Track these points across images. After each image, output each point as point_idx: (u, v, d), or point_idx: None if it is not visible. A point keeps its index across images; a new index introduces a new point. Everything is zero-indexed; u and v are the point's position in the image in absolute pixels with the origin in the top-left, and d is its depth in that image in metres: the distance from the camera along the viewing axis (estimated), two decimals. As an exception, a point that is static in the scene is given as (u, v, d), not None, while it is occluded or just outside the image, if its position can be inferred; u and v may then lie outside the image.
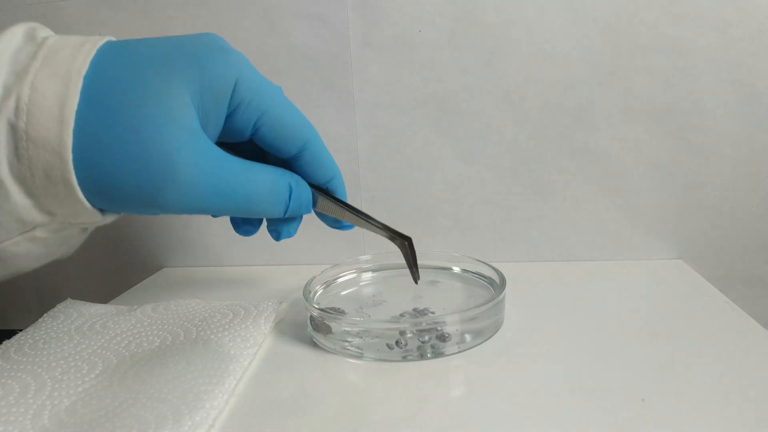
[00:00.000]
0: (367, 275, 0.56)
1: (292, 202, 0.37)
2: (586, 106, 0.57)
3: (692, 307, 0.49)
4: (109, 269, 0.68)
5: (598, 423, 0.33)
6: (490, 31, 0.57)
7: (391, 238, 0.43)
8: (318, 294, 0.51)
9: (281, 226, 0.41)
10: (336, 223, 0.43)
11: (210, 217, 0.63)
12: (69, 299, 0.52)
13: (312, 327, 0.45)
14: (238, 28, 0.59)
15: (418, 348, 0.41)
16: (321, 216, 0.42)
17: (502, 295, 0.44)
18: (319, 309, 0.43)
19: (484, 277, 0.52)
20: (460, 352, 0.42)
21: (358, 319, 0.45)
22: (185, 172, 0.29)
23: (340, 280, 0.54)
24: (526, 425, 0.33)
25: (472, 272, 0.54)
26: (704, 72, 0.55)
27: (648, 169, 0.58)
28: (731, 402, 0.35)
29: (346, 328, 0.42)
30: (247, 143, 0.36)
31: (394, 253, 0.56)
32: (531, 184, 0.60)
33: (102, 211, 0.32)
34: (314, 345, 0.44)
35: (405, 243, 0.43)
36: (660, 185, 0.58)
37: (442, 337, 0.41)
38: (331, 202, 0.40)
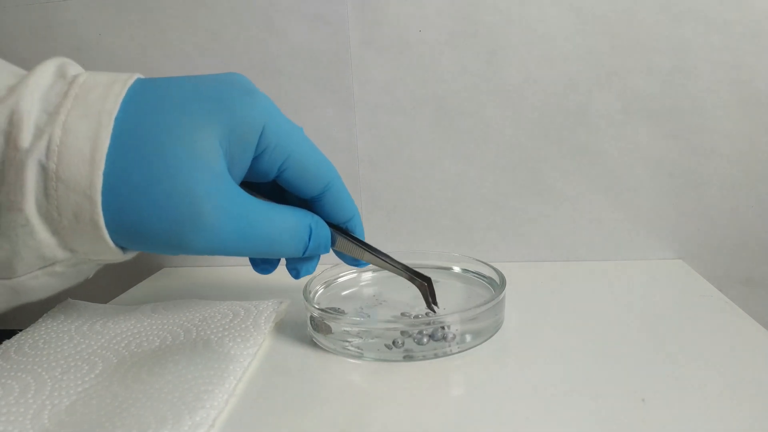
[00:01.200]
0: (368, 275, 0.56)
1: (311, 242, 0.37)
2: (586, 106, 0.57)
3: (692, 307, 0.49)
4: (109, 269, 0.67)
5: (597, 423, 0.33)
6: (490, 31, 0.57)
7: (411, 279, 0.44)
8: (318, 294, 0.51)
9: (300, 264, 0.41)
10: (354, 262, 0.44)
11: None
12: (69, 299, 0.52)
13: (312, 327, 0.45)
14: (238, 28, 0.59)
15: (418, 348, 0.41)
16: (339, 255, 0.43)
17: (502, 295, 0.44)
18: (319, 309, 0.43)
19: (484, 277, 0.52)
20: (460, 352, 0.42)
21: (358, 319, 0.45)
22: (211, 216, 0.29)
23: (340, 280, 0.54)
24: (526, 425, 0.33)
25: (472, 272, 0.54)
26: (704, 72, 0.55)
27: (648, 168, 0.58)
28: (731, 402, 0.35)
29: (346, 328, 0.42)
30: (269, 183, 0.37)
31: (394, 253, 0.57)
32: (531, 185, 0.60)
33: (123, 249, 0.32)
34: (314, 345, 0.44)
35: (425, 284, 0.44)
36: (660, 185, 0.58)
37: (443, 338, 0.41)
38: (350, 242, 0.41)
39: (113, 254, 0.31)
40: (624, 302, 0.50)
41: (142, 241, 0.30)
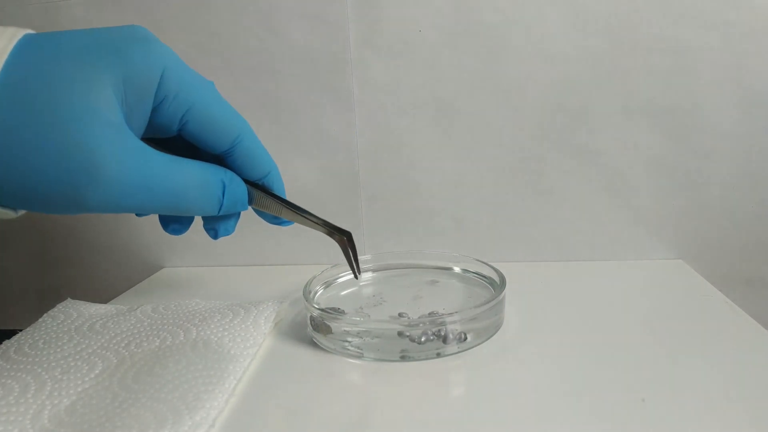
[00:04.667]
0: (368, 275, 0.56)
1: (226, 199, 0.35)
2: (586, 106, 0.57)
3: (692, 307, 0.49)
4: (109, 269, 0.68)
5: (598, 423, 0.33)
6: (490, 31, 0.57)
7: (330, 234, 0.42)
8: (318, 294, 0.51)
9: (218, 224, 0.39)
10: (275, 220, 0.41)
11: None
12: (69, 299, 0.52)
13: (312, 327, 0.45)
14: (237, 28, 0.59)
15: (419, 348, 0.41)
16: (259, 213, 0.41)
17: (502, 295, 0.44)
18: (318, 309, 0.43)
19: (484, 277, 0.52)
20: (460, 352, 0.42)
21: (358, 319, 0.45)
22: (108, 169, 0.28)
23: (340, 280, 0.54)
24: (526, 425, 0.33)
25: (472, 272, 0.54)
26: (704, 72, 0.55)
27: (648, 168, 0.58)
28: (731, 401, 0.35)
29: (346, 328, 0.42)
30: (177, 140, 0.35)
31: (394, 253, 0.57)
32: (531, 184, 0.60)
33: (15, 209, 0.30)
34: (314, 345, 0.44)
35: (344, 239, 0.42)
36: (660, 185, 0.58)
37: (443, 338, 0.41)
38: (268, 199, 0.39)
39: (2, 214, 0.30)
40: (624, 302, 0.50)
41: (35, 199, 0.28)
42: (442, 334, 0.41)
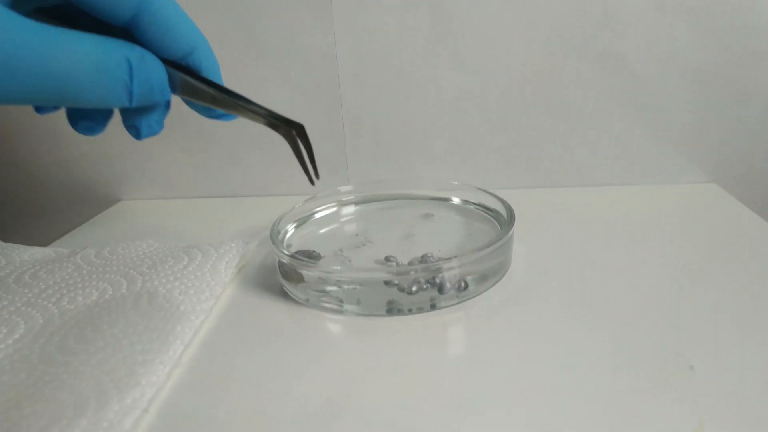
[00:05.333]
0: (349, 209, 0.48)
1: (135, 83, 0.27)
2: (612, 2, 0.47)
3: (729, 237, 0.42)
4: (58, 203, 0.59)
5: (625, 388, 0.26)
6: None
7: (274, 126, 0.32)
8: (289, 234, 0.43)
9: (138, 119, 0.31)
10: (209, 112, 0.33)
11: (171, 141, 0.54)
12: (-1, 242, 0.44)
13: (282, 274, 0.37)
14: None
15: (410, 299, 0.34)
16: (191, 104, 0.32)
17: (510, 233, 0.36)
18: (288, 255, 0.36)
19: (488, 209, 0.44)
20: (459, 302, 0.34)
21: (335, 267, 0.37)
22: None
23: (317, 215, 0.46)
24: (536, 391, 0.26)
25: (474, 204, 0.46)
26: (759, -45, 0.45)
27: (683, 78, 0.49)
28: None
29: (321, 276, 0.34)
30: (71, 11, 0.27)
31: (380, 183, 0.48)
32: (543, 99, 0.51)
33: None
34: (285, 296, 0.37)
35: (292, 132, 0.32)
36: (696, 97, 0.49)
37: (439, 286, 0.34)
38: (194, 84, 0.30)
39: None
40: (650, 235, 0.43)
41: None
42: (438, 281, 0.34)
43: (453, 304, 0.34)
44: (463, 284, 0.34)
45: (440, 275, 0.34)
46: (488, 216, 0.44)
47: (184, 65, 0.30)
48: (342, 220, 0.47)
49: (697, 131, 0.51)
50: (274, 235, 0.38)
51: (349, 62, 0.51)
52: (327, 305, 0.35)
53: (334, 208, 0.47)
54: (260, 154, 0.55)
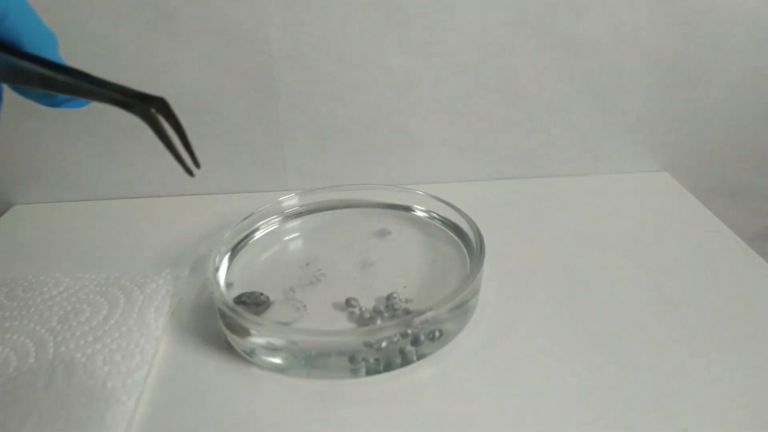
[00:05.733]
0: (294, 224, 0.42)
1: None
2: (576, -20, 0.43)
3: (679, 231, 0.42)
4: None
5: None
6: None
7: (125, 106, 0.23)
8: (228, 266, 0.37)
9: None
10: (48, 99, 0.26)
11: (71, 135, 0.46)
12: None
13: (224, 324, 0.32)
14: None
15: (379, 356, 0.30)
16: (19, 90, 0.25)
17: (480, 271, 0.33)
18: (230, 307, 0.30)
19: (449, 225, 0.40)
20: (433, 352, 0.31)
21: (285, 323, 0.32)
22: None
23: (258, 234, 0.41)
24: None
25: (435, 216, 0.42)
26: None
27: (644, 62, 0.46)
28: (717, 320, 0.33)
29: (272, 341, 0.30)
30: None
31: (329, 189, 0.43)
32: (498, 85, 0.46)
33: None
34: (231, 350, 0.32)
35: (150, 110, 0.24)
36: (655, 82, 0.47)
37: (414, 339, 0.30)
38: (16, 62, 0.23)
39: None
40: (605, 224, 0.43)
41: None
42: (410, 333, 0.30)
43: (428, 354, 0.31)
44: (437, 333, 0.31)
45: (414, 327, 0.30)
46: (449, 232, 0.40)
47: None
48: (286, 239, 0.41)
49: (654, 119, 0.49)
50: (211, 267, 0.33)
51: (283, 42, 0.44)
52: (276, 362, 0.30)
53: (275, 225, 0.42)
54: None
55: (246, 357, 0.31)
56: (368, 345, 0.29)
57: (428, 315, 0.29)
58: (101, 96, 0.23)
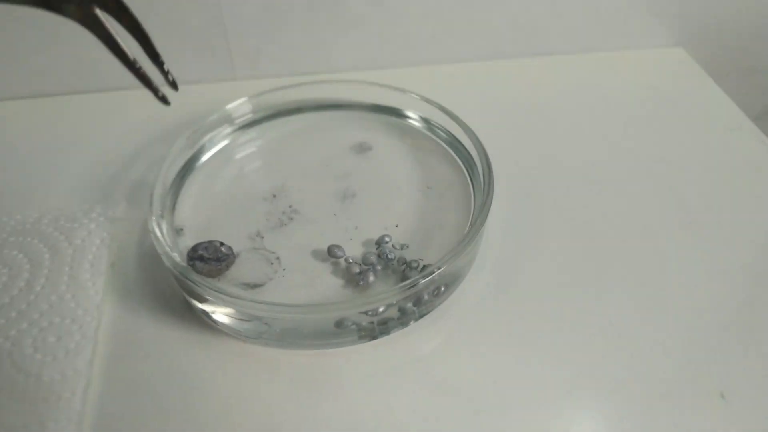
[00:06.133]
0: (248, 137, 0.35)
1: None
2: None
3: (702, 123, 0.38)
4: None
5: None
6: None
7: (51, 5, 0.18)
8: (172, 204, 0.30)
9: None
10: None
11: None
12: None
13: (180, 287, 0.26)
14: None
15: (376, 322, 0.25)
16: None
17: (488, 208, 0.27)
18: (181, 271, 0.24)
19: (446, 135, 0.33)
20: (434, 309, 0.26)
21: (258, 284, 0.27)
22: None
23: (204, 157, 0.33)
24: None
25: (425, 122, 0.35)
26: None
27: None
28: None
29: (238, 309, 0.24)
30: None
31: (290, 88, 0.35)
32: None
33: None
34: (192, 311, 0.27)
35: (93, 9, 0.18)
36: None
37: (416, 300, 0.25)
38: None
39: None
40: (617, 114, 0.38)
41: None
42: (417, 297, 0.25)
43: (429, 312, 0.26)
44: (443, 288, 0.26)
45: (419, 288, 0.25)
46: (445, 146, 0.34)
47: None
48: (239, 157, 0.33)
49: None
50: (155, 225, 0.26)
51: None
52: (248, 331, 0.25)
53: (227, 139, 0.34)
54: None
55: (210, 325, 0.26)
56: (363, 312, 0.24)
57: (436, 274, 0.24)
58: None
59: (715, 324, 0.26)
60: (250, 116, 0.35)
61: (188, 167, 0.32)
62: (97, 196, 0.32)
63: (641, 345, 0.25)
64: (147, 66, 0.22)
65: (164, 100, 0.21)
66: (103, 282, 0.27)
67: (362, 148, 0.34)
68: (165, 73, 0.20)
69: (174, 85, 0.21)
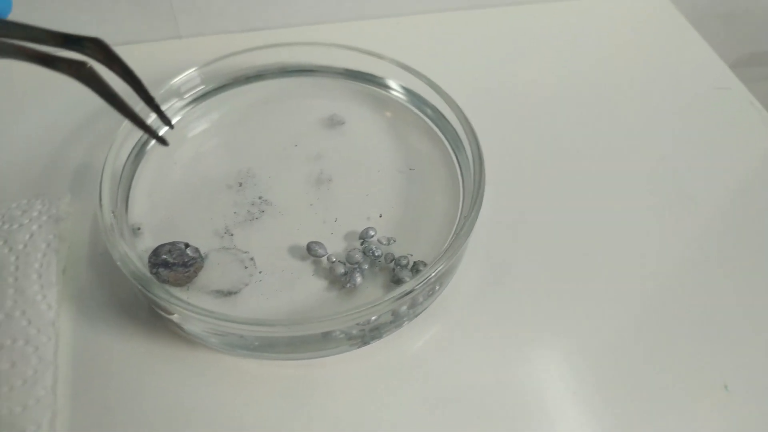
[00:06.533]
0: (201, 110, 0.31)
1: None
2: None
3: (690, 84, 0.36)
4: None
5: None
6: None
7: (48, 62, 0.18)
8: (122, 200, 0.26)
9: None
10: None
11: None
12: None
13: (141, 288, 0.23)
14: None
15: (367, 330, 0.23)
16: None
17: (480, 192, 0.25)
18: (143, 286, 0.22)
19: (430, 111, 0.31)
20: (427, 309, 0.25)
21: (231, 291, 0.24)
22: None
23: (150, 145, 0.29)
24: None
25: (397, 90, 0.32)
26: None
27: None
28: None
29: (209, 324, 0.22)
30: None
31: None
32: None
33: None
34: (155, 318, 0.24)
35: (86, 67, 0.18)
36: None
37: (411, 302, 0.23)
38: None
39: None
40: (601, 70, 0.36)
41: None
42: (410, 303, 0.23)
43: (423, 311, 0.25)
44: (437, 287, 0.24)
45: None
46: (425, 118, 0.31)
47: None
48: (192, 134, 0.30)
49: None
50: (105, 215, 0.23)
51: None
52: (223, 344, 0.23)
53: (177, 117, 0.30)
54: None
55: (180, 333, 0.23)
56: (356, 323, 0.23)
57: (433, 276, 0.22)
58: (12, 52, 0.18)
59: (720, 315, 0.25)
60: (201, 88, 0.31)
61: (138, 152, 0.28)
62: (34, 186, 0.28)
63: (642, 336, 0.24)
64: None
65: (163, 141, 0.21)
66: (56, 294, 0.24)
67: (333, 122, 0.31)
68: (161, 115, 0.20)
69: (169, 124, 0.22)
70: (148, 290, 0.21)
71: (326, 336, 0.22)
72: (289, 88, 0.32)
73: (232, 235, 0.26)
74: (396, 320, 0.23)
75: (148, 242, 0.25)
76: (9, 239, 0.24)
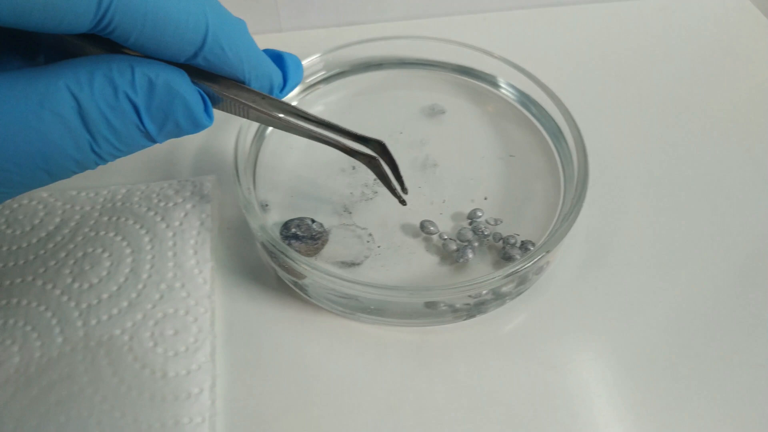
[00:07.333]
0: (309, 100, 0.33)
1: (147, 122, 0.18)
2: None
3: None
4: None
5: None
6: None
7: (352, 153, 0.24)
8: (251, 180, 0.29)
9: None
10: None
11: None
12: None
13: (274, 261, 0.26)
14: None
15: (473, 303, 0.25)
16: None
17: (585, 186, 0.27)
18: (265, 241, 0.25)
19: (520, 96, 0.33)
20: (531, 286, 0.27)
21: (355, 262, 0.27)
22: None
23: (268, 130, 0.32)
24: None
25: (493, 84, 0.34)
26: None
27: None
28: None
29: (328, 285, 0.24)
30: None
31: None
32: None
33: None
34: (283, 288, 0.27)
35: (378, 161, 0.25)
36: None
37: (521, 278, 0.25)
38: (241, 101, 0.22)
39: None
40: (692, 71, 0.37)
41: None
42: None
43: (525, 291, 0.27)
44: (545, 265, 0.26)
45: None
46: (523, 110, 0.33)
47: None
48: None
49: None
50: (243, 192, 0.26)
51: None
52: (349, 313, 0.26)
53: (294, 102, 0.33)
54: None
55: (311, 302, 0.26)
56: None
57: (544, 256, 0.24)
58: (327, 141, 0.24)
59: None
60: (322, 74, 0.34)
61: (259, 138, 0.31)
62: (169, 168, 0.31)
63: (741, 338, 0.26)
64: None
65: (403, 201, 0.26)
66: (210, 269, 0.26)
67: (434, 111, 0.33)
68: (402, 185, 0.26)
69: (405, 191, 0.26)
70: (288, 256, 0.24)
71: (433, 307, 0.25)
72: (390, 81, 0.35)
73: (350, 213, 0.29)
74: (498, 298, 0.26)
75: (275, 217, 0.28)
76: (166, 216, 0.27)
